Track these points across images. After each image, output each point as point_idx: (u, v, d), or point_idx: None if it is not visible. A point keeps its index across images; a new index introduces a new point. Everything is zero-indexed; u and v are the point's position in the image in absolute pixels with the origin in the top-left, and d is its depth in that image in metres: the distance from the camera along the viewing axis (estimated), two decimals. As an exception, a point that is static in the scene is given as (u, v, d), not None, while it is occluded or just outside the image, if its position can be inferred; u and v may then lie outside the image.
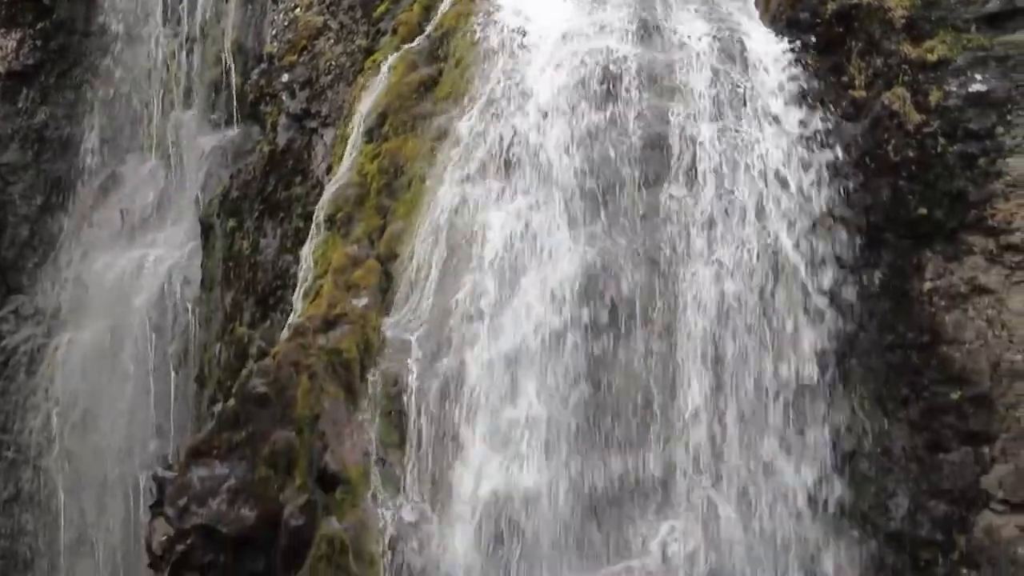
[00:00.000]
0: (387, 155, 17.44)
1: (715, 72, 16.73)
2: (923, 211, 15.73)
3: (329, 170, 18.85)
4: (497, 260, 15.61)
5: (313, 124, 20.45)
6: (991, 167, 15.60)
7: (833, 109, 16.49)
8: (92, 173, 24.31)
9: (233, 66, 22.97)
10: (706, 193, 15.88)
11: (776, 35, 17.28)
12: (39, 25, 25.03)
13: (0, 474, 23.21)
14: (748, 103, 16.52)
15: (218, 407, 16.31)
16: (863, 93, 16.50)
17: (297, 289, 17.35)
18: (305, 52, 21.18)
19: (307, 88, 20.99)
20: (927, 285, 15.73)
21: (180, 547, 14.70)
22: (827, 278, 15.64)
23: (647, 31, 17.27)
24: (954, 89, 15.97)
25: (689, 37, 17.19)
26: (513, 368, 15.23)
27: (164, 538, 14.86)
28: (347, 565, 14.32)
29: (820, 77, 16.73)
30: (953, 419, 15.26)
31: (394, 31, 19.62)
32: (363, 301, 16.29)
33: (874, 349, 15.59)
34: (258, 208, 20.46)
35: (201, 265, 21.36)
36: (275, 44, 21.87)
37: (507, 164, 16.28)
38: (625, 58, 16.77)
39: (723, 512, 14.75)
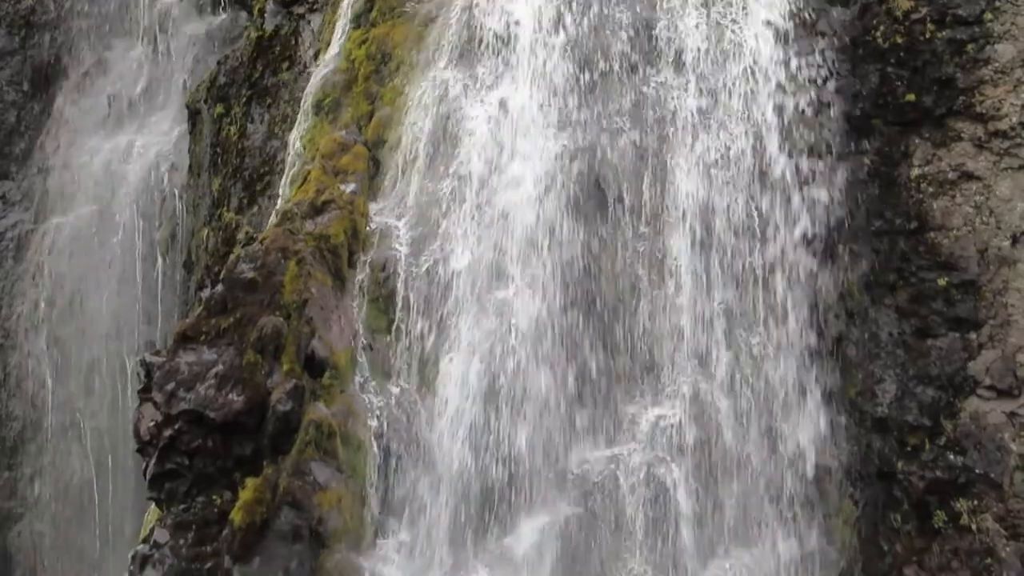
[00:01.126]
0: (375, 41, 17.12)
1: (704, -43, 16.50)
2: (911, 97, 15.49)
3: (316, 56, 18.55)
4: (484, 146, 15.39)
5: (300, 10, 20.08)
6: (979, 53, 15.36)
7: (822, -5, 16.30)
8: (79, 59, 23.96)
9: (220, -50, 22.63)
10: (694, 82, 15.67)
11: (765, -80, 17.03)
12: (25, -89, 24.68)
13: (-12, 359, 23.18)
14: (737, -10, 16.31)
15: (206, 292, 16.07)
16: (853, -21, 16.31)
17: (285, 175, 17.12)
18: (292, -64, 20.84)
19: (294, -28, 20.68)
20: (915, 172, 15.57)
21: (168, 432, 14.62)
22: (815, 165, 15.47)
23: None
24: (944, -26, 15.88)
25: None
26: (500, 252, 15.14)
27: (152, 423, 14.78)
28: (335, 450, 14.30)
29: (809, -38, 16.52)
30: (941, 305, 15.19)
31: (382, -85, 19.30)
32: (351, 187, 16.07)
33: (862, 235, 15.40)
34: (246, 94, 20.14)
35: (188, 151, 21.05)
36: (262, -72, 21.53)
37: (494, 51, 16.02)
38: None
39: (711, 396, 14.69)
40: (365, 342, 15.10)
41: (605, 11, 15.96)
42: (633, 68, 15.91)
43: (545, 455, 14.32)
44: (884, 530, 14.68)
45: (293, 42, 19.76)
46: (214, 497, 14.44)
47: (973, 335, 15.19)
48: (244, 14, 21.89)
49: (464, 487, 14.18)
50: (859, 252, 15.46)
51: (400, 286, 15.28)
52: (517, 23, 16.06)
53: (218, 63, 20.80)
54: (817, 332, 15.15)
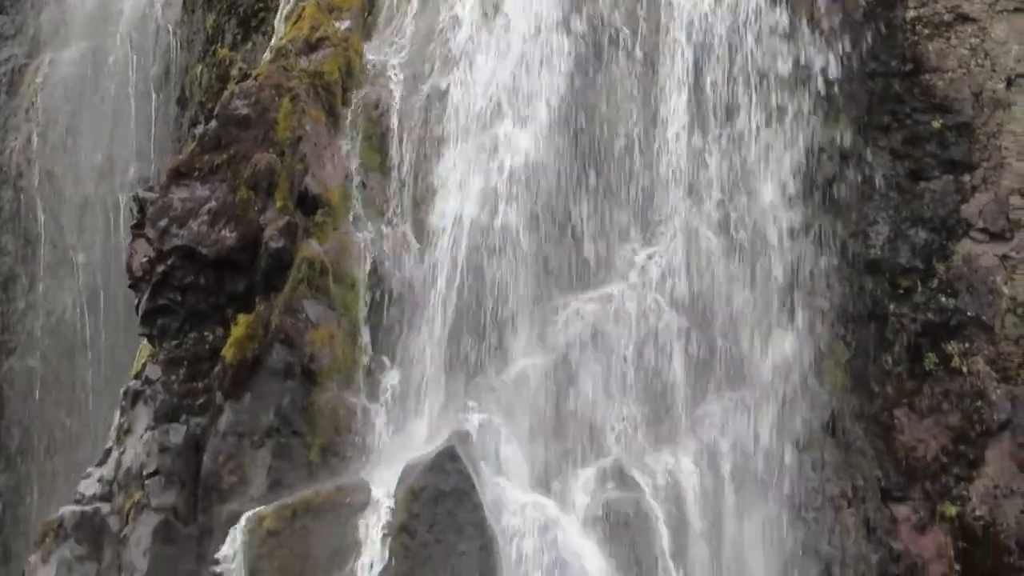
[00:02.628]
0: None
1: None
2: (908, -62, 15.03)
3: None
4: (479, -17, 14.87)
5: None
6: None
7: None
8: None
9: None
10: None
11: None
12: None
13: (-20, 195, 22.81)
14: None
15: (199, 129, 15.67)
16: None
17: (279, 11, 16.58)
18: None
19: None
20: (911, 13, 15.11)
21: (160, 268, 14.30)
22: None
23: None
24: None
25: None
26: (494, 92, 14.68)
27: (144, 259, 14.49)
28: (327, 287, 13.95)
29: None
30: (934, 147, 14.82)
31: None
32: (345, 24, 15.56)
33: (857, 77, 14.96)
34: (240, -73, 19.55)
35: (183, -14, 20.53)
36: None
37: None
38: None
39: (703, 234, 14.34)
40: (358, 179, 14.72)
41: None
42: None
43: (536, 295, 14.04)
44: (875, 371, 14.41)
45: None
46: (206, 333, 14.18)
47: (966, 178, 14.85)
48: None
49: (455, 326, 13.89)
50: (854, 94, 15.04)
51: (394, 124, 14.84)
52: None
53: None
54: (810, 173, 14.84)
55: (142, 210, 14.74)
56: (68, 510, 13.74)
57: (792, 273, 14.47)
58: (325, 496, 12.71)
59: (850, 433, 14.05)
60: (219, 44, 18.77)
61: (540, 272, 14.08)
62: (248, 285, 14.08)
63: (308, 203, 14.35)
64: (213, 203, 14.28)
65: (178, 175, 14.66)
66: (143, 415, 14.07)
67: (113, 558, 13.41)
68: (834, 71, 14.92)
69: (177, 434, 13.66)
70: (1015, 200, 14.76)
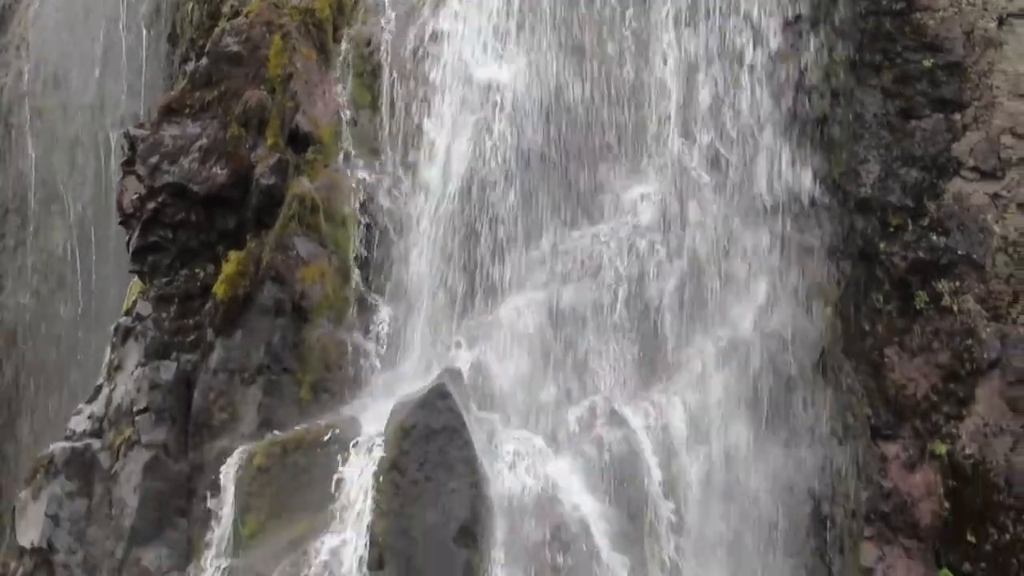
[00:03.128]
0: None
1: None
2: None
3: None
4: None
5: None
6: None
7: None
8: None
9: None
10: None
11: None
12: None
13: (-30, 130, 22.49)
14: None
15: (190, 66, 15.37)
16: None
17: (270, -52, 16.32)
18: None
19: None
20: (902, -49, 14.93)
21: (151, 205, 14.13)
22: (802, -56, 14.73)
23: None
24: None
25: None
26: (487, 29, 14.40)
27: (135, 196, 14.28)
28: (318, 224, 13.76)
29: None
30: (926, 86, 14.55)
31: None
32: (336, -40, 15.35)
33: (848, 16, 14.70)
34: None
35: (173, -80, 20.20)
36: None
37: None
38: None
39: (694, 172, 14.10)
40: (349, 117, 14.52)
41: None
42: None
43: (527, 233, 13.84)
44: (865, 310, 14.21)
45: None
46: (197, 270, 14.02)
47: (957, 116, 14.60)
48: None
49: (446, 263, 13.73)
50: (845, 32, 14.78)
51: (385, 61, 14.64)
52: None
53: None
54: (801, 111, 14.62)
55: (133, 147, 14.53)
56: (58, 446, 13.65)
57: (782, 212, 14.39)
58: (315, 433, 12.57)
59: (840, 371, 13.88)
60: (210, -19, 18.58)
61: (532, 209, 13.91)
62: (239, 222, 13.95)
63: (299, 140, 14.14)
64: (204, 140, 14.11)
65: (169, 112, 14.48)
66: (134, 352, 13.92)
67: (103, 494, 13.31)
68: (827, 12, 14.65)
69: (168, 371, 13.55)
70: (1006, 139, 14.52)
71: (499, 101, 13.96)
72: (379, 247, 13.99)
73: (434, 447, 11.75)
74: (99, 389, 14.17)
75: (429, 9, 14.53)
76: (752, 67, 14.56)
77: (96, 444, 13.51)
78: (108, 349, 14.39)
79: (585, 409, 12.82)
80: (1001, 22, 14.70)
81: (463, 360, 12.92)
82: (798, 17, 14.61)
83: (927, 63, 14.67)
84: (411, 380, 12.92)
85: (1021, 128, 14.58)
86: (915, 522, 13.65)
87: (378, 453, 11.87)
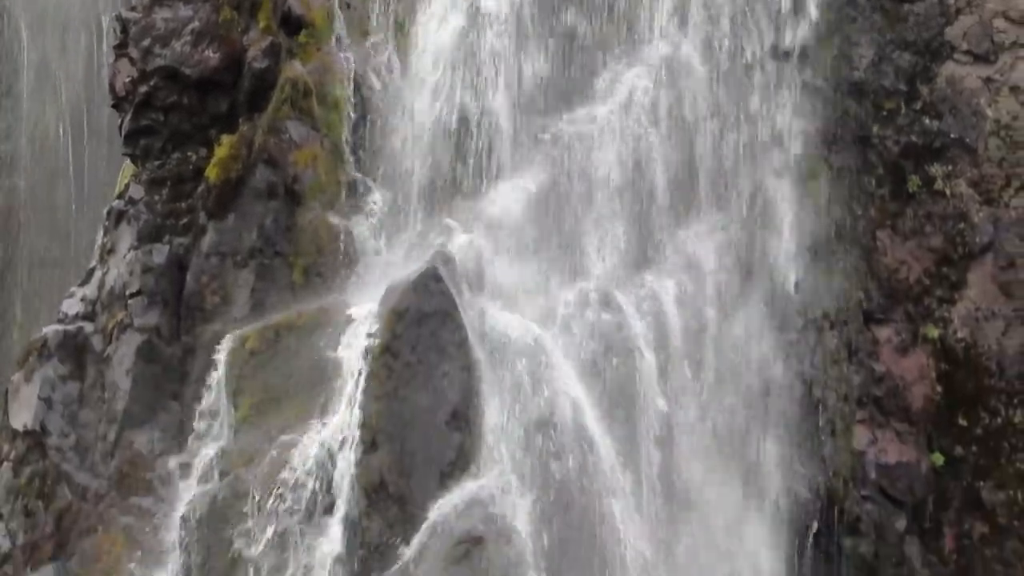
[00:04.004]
0: None
1: None
2: None
3: None
4: None
5: None
6: None
7: None
8: None
9: None
10: None
11: None
12: None
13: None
14: None
15: (182, -52, 14.95)
16: None
17: None
18: None
19: None
20: None
21: (143, 88, 13.64)
22: None
23: None
24: None
25: None
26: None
27: (127, 79, 13.80)
28: (310, 108, 13.33)
29: None
30: (919, -32, 14.20)
31: None
32: None
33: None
34: None
35: None
36: None
37: None
38: None
39: (688, 57, 13.66)
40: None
41: None
42: None
43: (522, 116, 13.42)
44: (858, 194, 13.81)
45: None
46: (189, 154, 13.57)
47: (951, 0, 14.26)
48: None
49: (439, 146, 13.32)
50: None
51: (377, -58, 14.24)
52: None
53: None
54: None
55: (125, 30, 14.02)
56: (51, 329, 13.33)
57: (776, 95, 13.94)
58: (308, 316, 12.30)
59: (833, 255, 13.52)
60: None
61: (526, 92, 13.46)
62: (231, 105, 13.48)
63: (291, 23, 13.67)
64: (196, 23, 13.59)
65: (161, -6, 14.29)
66: (126, 235, 13.55)
67: (96, 377, 13.01)
68: None
69: (160, 254, 13.16)
70: (999, 23, 14.00)
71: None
72: (371, 130, 13.61)
73: (426, 330, 11.42)
74: (91, 272, 13.83)
75: None
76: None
77: (89, 327, 13.18)
78: (100, 232, 14.05)
79: (577, 293, 12.47)
80: (994, -97, 14.38)
81: (455, 243, 12.55)
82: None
83: (919, -55, 14.45)
84: (403, 264, 12.57)
85: (1014, 12, 14.10)
86: (907, 406, 13.32)
87: (370, 336, 11.56)
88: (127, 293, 13.10)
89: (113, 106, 14.14)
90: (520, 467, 11.18)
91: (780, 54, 13.94)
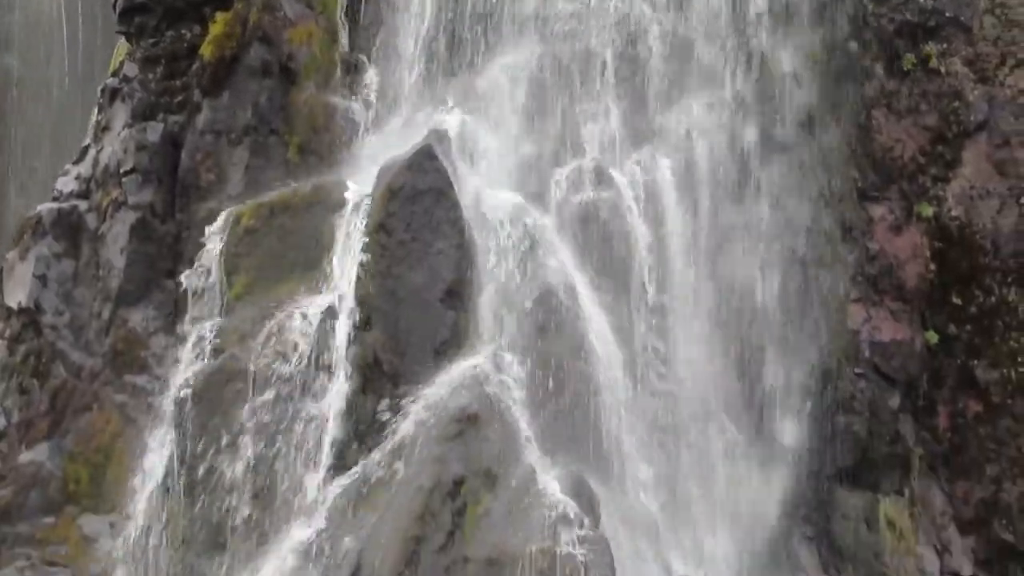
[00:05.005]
0: None
1: None
2: None
3: None
4: None
5: None
6: None
7: None
8: None
9: None
10: None
11: None
12: None
13: None
14: None
15: None
16: None
17: None
18: None
19: None
20: None
21: None
22: None
23: None
24: None
25: None
26: None
27: None
28: None
29: None
30: None
31: None
32: None
33: None
34: None
35: None
36: None
37: None
38: None
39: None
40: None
41: None
42: None
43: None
44: (853, 72, 13.26)
45: None
46: (183, 31, 13.01)
47: None
48: None
49: (434, 24, 12.69)
50: None
51: None
52: None
53: None
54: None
55: (119, -93, 13.62)
56: (46, 207, 12.85)
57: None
58: (302, 194, 11.76)
59: (828, 133, 12.98)
60: None
61: None
62: None
63: None
64: (191, -101, 13.30)
65: None
66: (120, 113, 13.05)
67: (91, 255, 12.57)
68: None
69: (154, 132, 12.63)
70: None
71: None
72: (367, 7, 13.01)
73: (420, 208, 11.00)
74: (86, 150, 13.38)
75: None
76: None
77: (83, 205, 12.72)
78: (95, 110, 13.58)
79: (572, 169, 12.04)
80: None
81: (450, 121, 12.05)
82: None
83: None
84: (398, 142, 12.00)
85: None
86: (901, 284, 12.93)
87: (365, 214, 11.11)
88: (121, 171, 12.62)
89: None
90: (514, 344, 10.87)
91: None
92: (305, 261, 11.27)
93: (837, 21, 13.28)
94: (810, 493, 12.25)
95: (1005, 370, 12.91)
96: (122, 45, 13.79)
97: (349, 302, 10.85)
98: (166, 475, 10.82)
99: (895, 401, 12.67)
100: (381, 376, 10.67)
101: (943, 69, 13.15)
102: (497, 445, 10.07)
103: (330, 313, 10.90)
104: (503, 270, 11.10)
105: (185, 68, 12.86)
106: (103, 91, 13.26)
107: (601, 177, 11.89)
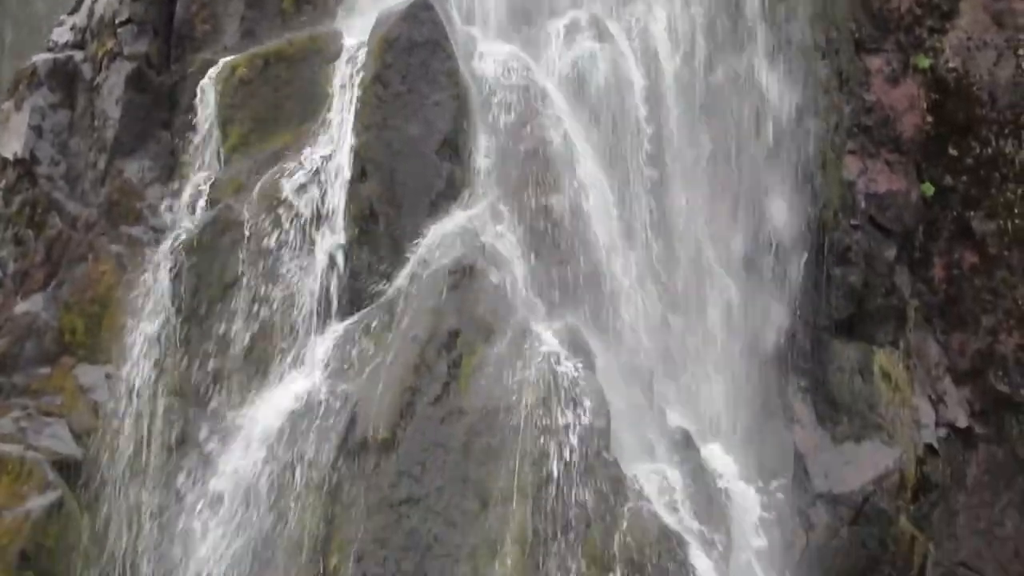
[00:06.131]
0: None
1: None
2: None
3: None
4: None
5: None
6: None
7: None
8: None
9: None
10: None
11: None
12: None
13: None
14: None
15: None
16: None
17: None
18: None
19: None
20: None
21: None
22: None
23: None
24: None
25: None
26: None
27: None
28: None
29: None
30: None
31: None
32: None
33: None
34: None
35: None
36: None
37: None
38: None
39: None
40: None
41: None
42: None
43: None
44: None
45: None
46: None
47: None
48: None
49: None
50: None
51: None
52: None
53: None
54: None
55: None
56: (40, 58, 12.21)
57: None
58: (298, 45, 11.12)
59: (823, -19, 12.53)
60: None
61: None
62: None
63: None
64: None
65: None
66: (115, -38, 12.61)
67: (86, 106, 11.97)
68: None
69: (150, -19, 12.35)
70: None
71: None
72: None
73: (416, 60, 10.40)
74: (81, 0, 12.86)
75: None
76: None
77: (78, 55, 12.09)
78: (89, -41, 13.12)
79: (568, 21, 11.30)
80: None
81: (446, -29, 11.58)
82: None
83: None
84: (394, -8, 11.61)
85: None
86: (897, 136, 12.41)
87: (361, 65, 10.49)
88: (116, 21, 11.95)
89: None
90: (510, 196, 10.44)
91: None
92: (301, 113, 10.71)
93: None
94: (805, 345, 11.86)
95: (1001, 221, 12.50)
96: None
97: (345, 154, 10.32)
98: (161, 326, 10.50)
99: (891, 253, 12.20)
100: (376, 228, 10.20)
101: None
102: (493, 297, 9.67)
103: (325, 165, 10.46)
104: (500, 122, 10.54)
105: None
106: None
107: (598, 28, 11.25)
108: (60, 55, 12.20)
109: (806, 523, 11.38)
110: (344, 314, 10.04)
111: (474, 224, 10.04)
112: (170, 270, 10.57)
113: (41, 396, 11.01)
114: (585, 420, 9.11)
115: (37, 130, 11.92)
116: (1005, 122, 12.52)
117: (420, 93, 10.35)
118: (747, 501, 10.36)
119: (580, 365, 9.35)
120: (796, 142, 11.99)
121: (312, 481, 9.46)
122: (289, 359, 10.07)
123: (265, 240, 10.38)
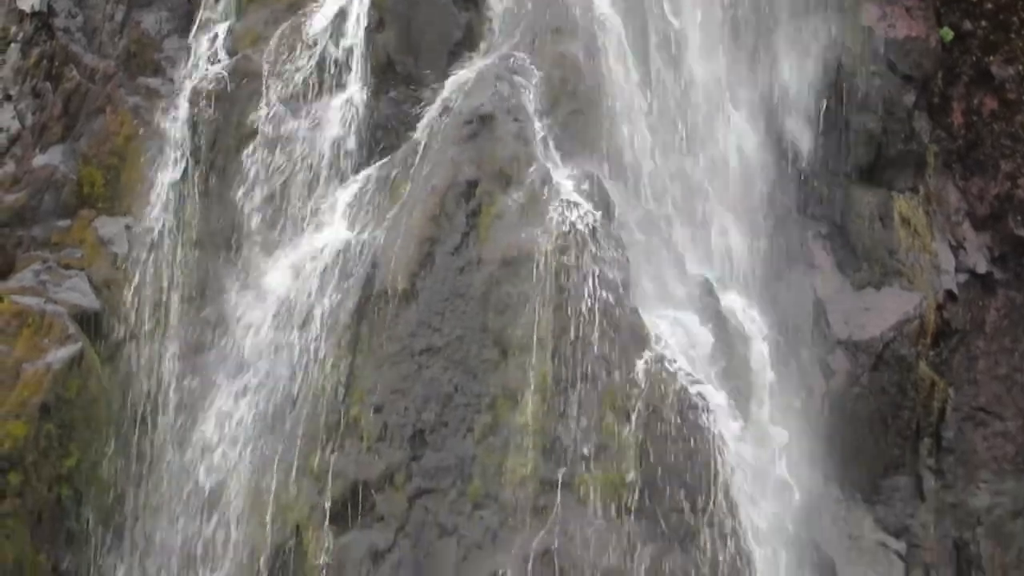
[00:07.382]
0: None
1: None
2: None
3: None
4: None
5: None
6: None
7: None
8: None
9: None
10: None
11: None
12: None
13: None
14: None
15: None
16: None
17: None
18: None
19: None
20: None
21: None
22: None
23: None
24: None
25: None
26: None
27: None
28: None
29: None
30: None
31: None
32: None
33: None
34: None
35: None
36: None
37: None
38: None
39: None
40: None
41: None
42: None
43: None
44: None
45: None
46: None
47: None
48: None
49: None
50: None
51: None
52: None
53: None
54: None
55: None
56: None
57: None
58: None
59: None
60: None
61: None
62: None
63: None
64: None
65: None
66: None
67: None
68: None
69: None
70: None
71: None
72: None
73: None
74: None
75: None
76: None
77: None
78: None
79: None
80: None
81: None
82: None
83: None
84: None
85: None
86: (916, -20, 12.07)
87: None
88: None
89: None
90: (528, 45, 9.89)
91: None
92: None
93: None
94: (824, 191, 11.47)
95: (1021, 66, 11.88)
96: None
97: (363, 3, 9.87)
98: (180, 177, 10.14)
99: (910, 98, 11.54)
100: (395, 77, 9.81)
101: None
102: (511, 146, 9.20)
103: (343, 15, 9.98)
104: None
105: None
106: None
107: None
108: None
109: (826, 370, 11.12)
110: (363, 165, 9.68)
111: (492, 72, 9.56)
112: (188, 120, 10.21)
113: (61, 249, 10.66)
114: (604, 268, 8.88)
115: (54, -21, 11.57)
116: (1025, -35, 12.23)
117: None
118: (766, 348, 10.17)
119: (599, 213, 9.12)
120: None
121: (332, 332, 9.27)
122: (309, 209, 9.85)
123: (284, 90, 10.11)
